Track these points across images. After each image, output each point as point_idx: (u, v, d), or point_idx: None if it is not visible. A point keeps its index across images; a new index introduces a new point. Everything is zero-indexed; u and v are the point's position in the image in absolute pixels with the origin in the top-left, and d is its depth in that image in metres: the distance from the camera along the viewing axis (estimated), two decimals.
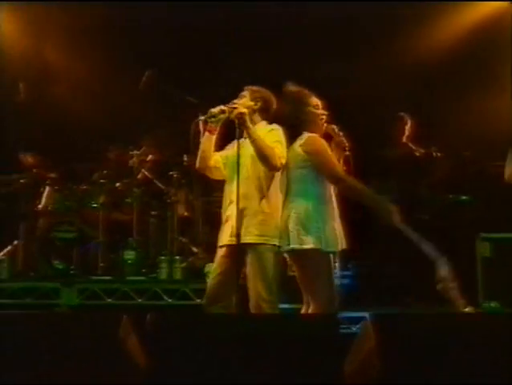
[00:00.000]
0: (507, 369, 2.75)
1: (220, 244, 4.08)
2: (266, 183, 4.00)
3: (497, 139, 6.45)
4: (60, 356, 2.82)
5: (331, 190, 3.93)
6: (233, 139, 4.05)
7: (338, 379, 2.81)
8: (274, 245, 3.91)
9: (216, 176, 4.23)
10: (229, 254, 4.00)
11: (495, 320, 3.10)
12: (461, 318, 3.22)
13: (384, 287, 6.02)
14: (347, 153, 4.03)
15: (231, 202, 4.02)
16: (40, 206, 6.40)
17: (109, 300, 5.75)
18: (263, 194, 3.98)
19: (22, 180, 6.46)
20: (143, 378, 2.80)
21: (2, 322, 2.95)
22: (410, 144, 6.35)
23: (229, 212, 4.03)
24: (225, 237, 4.04)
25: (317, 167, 3.89)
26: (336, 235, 3.86)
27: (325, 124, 3.98)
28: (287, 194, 3.92)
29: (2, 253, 6.23)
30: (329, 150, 3.91)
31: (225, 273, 4.00)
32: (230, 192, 4.05)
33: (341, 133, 4.01)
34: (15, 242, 6.25)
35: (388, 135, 6.37)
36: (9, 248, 6.24)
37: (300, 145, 3.88)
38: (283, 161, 3.91)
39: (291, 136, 3.96)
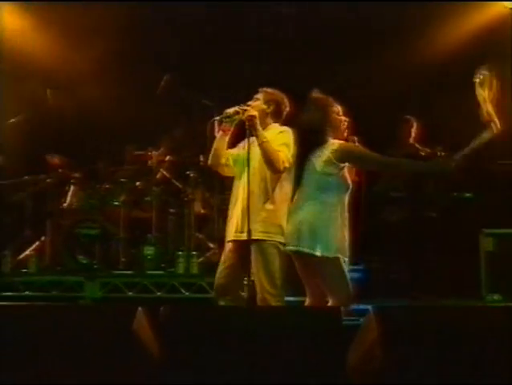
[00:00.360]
0: (510, 361, 2.77)
1: (227, 239, 4.15)
2: (271, 181, 4.01)
3: (500, 138, 6.63)
4: (82, 345, 2.87)
5: (346, 199, 3.92)
6: (245, 138, 4.07)
7: (342, 371, 2.82)
8: (277, 241, 3.95)
9: (227, 173, 4.27)
10: (234, 249, 4.08)
11: (498, 312, 3.16)
12: (463, 310, 3.21)
13: (392, 281, 6.13)
14: None
15: (237, 198, 4.09)
16: (65, 204, 6.53)
17: (130, 293, 5.92)
18: (268, 192, 4.00)
19: (48, 180, 6.58)
20: (156, 370, 2.83)
21: (30, 312, 3.06)
22: (416, 145, 6.38)
23: (235, 208, 4.10)
24: (231, 232, 4.10)
25: (362, 164, 3.94)
26: (345, 242, 3.86)
27: (346, 131, 3.98)
28: (302, 196, 3.91)
29: (30, 249, 6.36)
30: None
31: (231, 267, 4.09)
32: (237, 189, 4.12)
33: (357, 144, 3.99)
34: (42, 238, 6.40)
35: (395, 136, 6.42)
36: (37, 244, 6.40)
37: (332, 152, 3.83)
38: (287, 165, 3.94)
39: (311, 142, 3.92)
